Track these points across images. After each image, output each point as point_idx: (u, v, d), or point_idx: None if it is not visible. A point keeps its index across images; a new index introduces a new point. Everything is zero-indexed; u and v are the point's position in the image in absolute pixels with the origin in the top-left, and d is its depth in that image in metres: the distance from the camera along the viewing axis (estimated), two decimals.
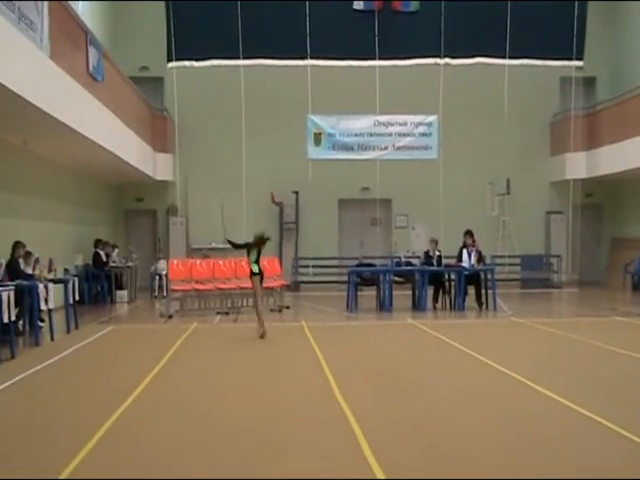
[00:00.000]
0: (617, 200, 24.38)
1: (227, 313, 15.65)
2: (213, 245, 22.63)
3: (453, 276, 16.71)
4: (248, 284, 15.98)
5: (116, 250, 19.90)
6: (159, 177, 22.42)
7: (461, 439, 5.73)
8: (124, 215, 24.29)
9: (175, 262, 16.65)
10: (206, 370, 8.96)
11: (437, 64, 21.17)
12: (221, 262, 16.76)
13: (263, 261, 16.95)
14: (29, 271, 12.50)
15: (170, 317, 15.04)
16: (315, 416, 6.52)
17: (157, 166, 22.25)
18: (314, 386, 7.81)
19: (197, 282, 16.14)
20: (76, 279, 13.76)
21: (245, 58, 20.67)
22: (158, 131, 22.24)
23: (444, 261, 16.99)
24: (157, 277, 20.08)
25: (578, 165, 23.01)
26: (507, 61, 21.13)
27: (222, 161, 23.40)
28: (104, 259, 18.72)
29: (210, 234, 22.81)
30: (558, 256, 23.43)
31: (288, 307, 16.92)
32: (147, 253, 23.06)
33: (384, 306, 16.22)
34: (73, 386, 8.03)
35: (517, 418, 6.42)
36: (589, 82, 24.50)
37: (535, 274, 22.83)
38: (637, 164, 19.70)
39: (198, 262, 16.76)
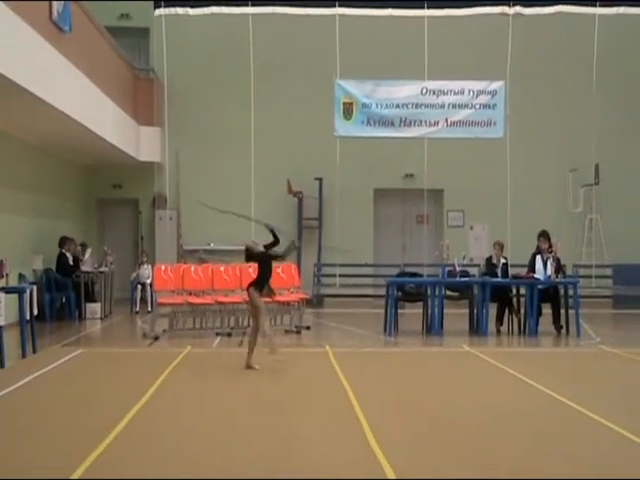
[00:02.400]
0: None
1: (229, 334, 15.60)
2: (212, 246, 22.64)
3: (523, 291, 16.59)
4: None
5: (88, 251, 19.89)
6: (143, 158, 22.47)
7: None
8: (97, 206, 24.36)
9: (163, 268, 16.62)
10: (201, 410, 8.85)
11: (505, 14, 21.01)
12: (222, 268, 16.70)
13: (276, 268, 17.14)
14: None
15: (156, 339, 15.02)
16: (343, 474, 6.38)
17: (140, 143, 22.28)
18: (342, 434, 7.68)
19: (191, 294, 16.10)
20: (34, 288, 13.72)
21: (255, 5, 20.68)
22: (142, 98, 22.28)
23: (511, 271, 16.90)
24: (139, 287, 20.11)
25: None
26: (597, 9, 20.93)
27: (224, 138, 23.40)
28: (71, 262, 18.72)
29: (208, 232, 22.84)
30: None
31: (308, 327, 16.86)
32: (126, 255, 23.11)
33: (433, 328, 16.14)
34: (27, 428, 7.94)
35: None
36: None
37: (633, 290, 22.56)
38: None
39: (192, 268, 16.73)
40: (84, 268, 18.97)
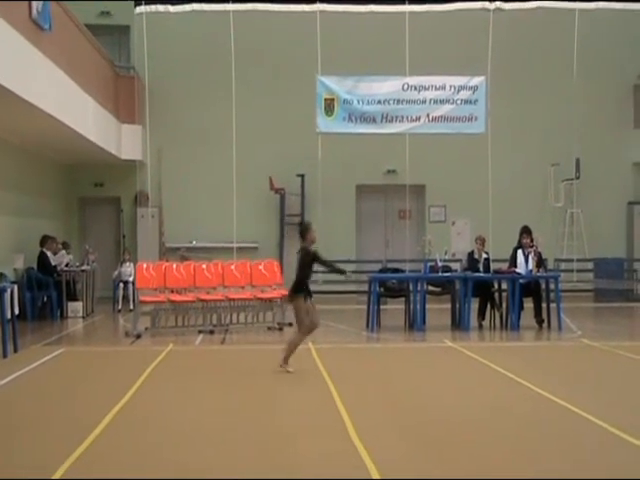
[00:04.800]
0: None
1: (212, 332, 15.59)
2: (194, 244, 22.62)
3: (505, 285, 16.66)
4: (239, 294, 16.06)
5: (68, 250, 19.86)
6: (125, 156, 22.41)
7: None
8: (79, 205, 24.29)
9: (145, 266, 16.59)
10: (183, 409, 8.85)
11: (485, 9, 21.02)
12: (204, 266, 16.69)
13: (258, 265, 17.21)
14: None
15: (138, 337, 15.02)
16: (325, 470, 6.40)
17: (122, 141, 22.23)
18: (324, 432, 7.70)
19: (173, 292, 16.09)
20: (15, 287, 13.71)
21: (235, 1, 20.60)
22: (123, 96, 22.23)
23: (493, 266, 16.95)
24: (121, 285, 20.06)
25: None
26: (577, 4, 20.97)
27: (205, 136, 23.36)
28: (52, 261, 18.66)
29: (190, 229, 22.82)
30: None
31: (290, 324, 16.83)
32: (108, 254, 23.04)
33: (415, 324, 16.17)
34: (8, 428, 7.92)
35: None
36: None
37: (613, 284, 22.65)
38: None
39: (174, 266, 16.71)
40: (62, 267, 18.89)
